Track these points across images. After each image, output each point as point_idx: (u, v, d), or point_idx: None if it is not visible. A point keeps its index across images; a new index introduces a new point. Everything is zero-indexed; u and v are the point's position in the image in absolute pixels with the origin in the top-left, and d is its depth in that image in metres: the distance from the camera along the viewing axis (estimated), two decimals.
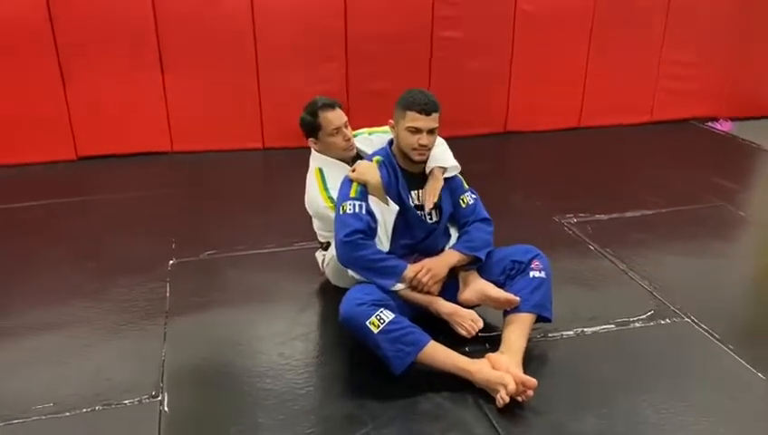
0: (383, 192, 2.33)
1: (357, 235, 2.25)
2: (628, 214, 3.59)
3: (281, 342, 2.40)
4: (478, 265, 2.42)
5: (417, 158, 2.34)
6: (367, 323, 2.08)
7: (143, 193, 3.93)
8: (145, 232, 3.37)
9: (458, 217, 2.51)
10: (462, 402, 2.05)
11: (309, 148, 2.69)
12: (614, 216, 3.56)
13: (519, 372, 2.07)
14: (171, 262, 3.00)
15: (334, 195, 2.46)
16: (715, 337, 2.42)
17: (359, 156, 2.63)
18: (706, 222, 3.52)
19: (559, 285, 2.75)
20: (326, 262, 2.66)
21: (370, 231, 2.29)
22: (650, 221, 3.52)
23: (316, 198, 2.54)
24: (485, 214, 2.53)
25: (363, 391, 2.11)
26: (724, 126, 5.44)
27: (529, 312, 2.27)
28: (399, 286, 2.27)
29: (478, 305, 2.36)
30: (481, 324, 2.25)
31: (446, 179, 2.46)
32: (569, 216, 3.54)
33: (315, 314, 2.61)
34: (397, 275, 2.27)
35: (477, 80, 4.94)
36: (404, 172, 2.40)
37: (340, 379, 2.21)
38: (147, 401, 2.08)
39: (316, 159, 2.64)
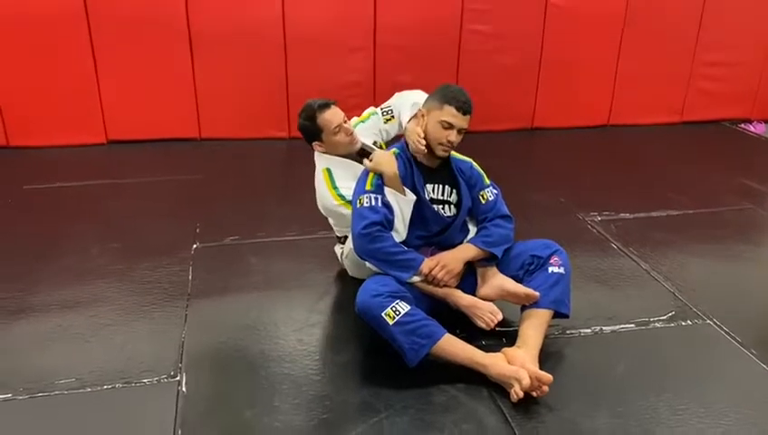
0: (399, 182, 2.33)
1: (374, 227, 2.25)
2: (654, 214, 3.54)
3: (299, 328, 2.43)
4: (495, 262, 2.41)
5: (440, 153, 2.33)
6: (382, 314, 2.09)
7: (170, 178, 3.99)
8: (170, 216, 3.42)
9: (477, 213, 2.49)
10: (476, 395, 2.05)
11: None
12: (639, 215, 3.52)
13: (535, 367, 2.06)
14: (195, 246, 3.05)
15: (344, 193, 2.48)
16: (737, 341, 2.38)
17: (362, 148, 2.63)
18: (734, 225, 3.46)
19: (579, 282, 2.75)
20: (345, 254, 2.68)
21: (387, 223, 2.29)
22: (676, 222, 3.47)
23: (327, 198, 2.55)
24: (506, 210, 2.50)
25: (378, 380, 2.12)
26: (757, 128, 5.33)
27: (547, 308, 2.26)
28: (416, 279, 2.27)
29: (496, 300, 2.36)
30: (500, 317, 2.25)
31: (463, 173, 2.45)
32: (593, 214, 3.50)
33: (334, 302, 2.63)
34: (414, 268, 2.26)
35: (505, 74, 4.90)
36: (420, 165, 2.39)
37: (356, 367, 2.23)
38: (165, 380, 2.11)
39: (322, 160, 2.64)
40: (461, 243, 2.45)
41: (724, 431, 1.93)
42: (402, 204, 2.34)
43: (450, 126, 2.27)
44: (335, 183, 2.55)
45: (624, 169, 4.38)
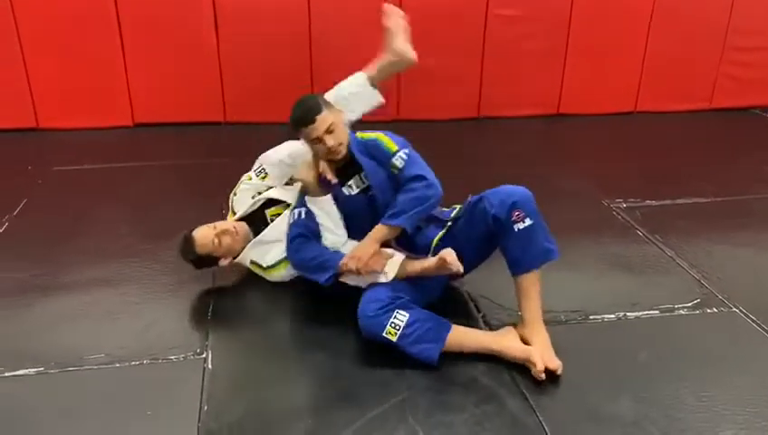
0: (317, 185, 2.37)
1: (295, 241, 2.36)
2: (680, 201, 3.50)
3: (322, 306, 2.46)
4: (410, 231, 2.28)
5: (337, 158, 2.32)
6: (384, 334, 2.08)
7: (195, 161, 4.04)
8: (196, 198, 3.46)
9: (399, 187, 2.31)
10: (497, 377, 2.06)
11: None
12: (665, 202, 3.48)
13: (544, 347, 2.09)
14: None
15: (279, 256, 2.50)
16: (763, 329, 2.36)
17: (261, 210, 2.66)
18: (762, 213, 3.40)
19: (603, 269, 2.75)
20: None
21: (310, 233, 2.36)
22: (703, 209, 3.43)
23: (279, 277, 2.55)
24: (415, 171, 2.27)
25: (401, 360, 2.13)
26: None
27: (530, 269, 2.18)
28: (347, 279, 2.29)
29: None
30: (452, 255, 2.15)
31: (369, 154, 2.37)
32: (618, 200, 3.47)
33: None
34: (330, 268, 2.28)
35: (531, 59, 4.86)
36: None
37: (380, 345, 2.22)
38: (192, 357, 2.16)
39: (242, 261, 2.58)
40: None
41: (748, 419, 1.92)
42: (325, 205, 2.36)
43: (317, 139, 2.26)
44: (266, 265, 2.54)
45: (650, 156, 4.33)
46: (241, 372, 2.12)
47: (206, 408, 1.92)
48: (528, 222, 2.17)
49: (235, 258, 2.57)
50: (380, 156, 2.34)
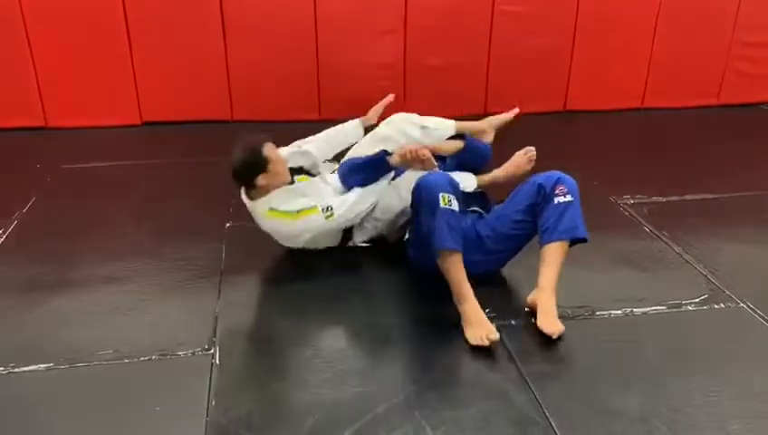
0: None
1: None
2: (688, 197, 3.49)
3: (330, 304, 2.46)
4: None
5: None
6: (440, 194, 2.26)
7: (203, 159, 4.05)
8: (203, 196, 3.47)
9: None
10: (504, 372, 2.06)
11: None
12: (672, 198, 3.47)
13: (547, 313, 2.20)
14: (228, 225, 3.10)
15: (303, 205, 2.57)
16: None
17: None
18: None
19: (610, 265, 2.74)
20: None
21: None
22: (710, 206, 3.41)
23: (295, 229, 2.60)
24: None
25: (409, 356, 2.15)
26: None
27: (559, 240, 2.31)
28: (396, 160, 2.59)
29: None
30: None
31: None
32: (625, 196, 3.47)
33: (363, 279, 2.66)
34: (383, 155, 2.61)
35: (538, 56, 4.85)
36: None
37: (388, 342, 2.25)
38: (200, 353, 2.17)
39: (259, 205, 2.62)
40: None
41: (755, 414, 1.92)
42: None
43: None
44: (287, 208, 2.56)
45: (657, 152, 4.31)
46: (248, 367, 2.13)
47: (213, 403, 1.94)
48: (569, 198, 2.36)
49: (258, 195, 2.61)
50: None
